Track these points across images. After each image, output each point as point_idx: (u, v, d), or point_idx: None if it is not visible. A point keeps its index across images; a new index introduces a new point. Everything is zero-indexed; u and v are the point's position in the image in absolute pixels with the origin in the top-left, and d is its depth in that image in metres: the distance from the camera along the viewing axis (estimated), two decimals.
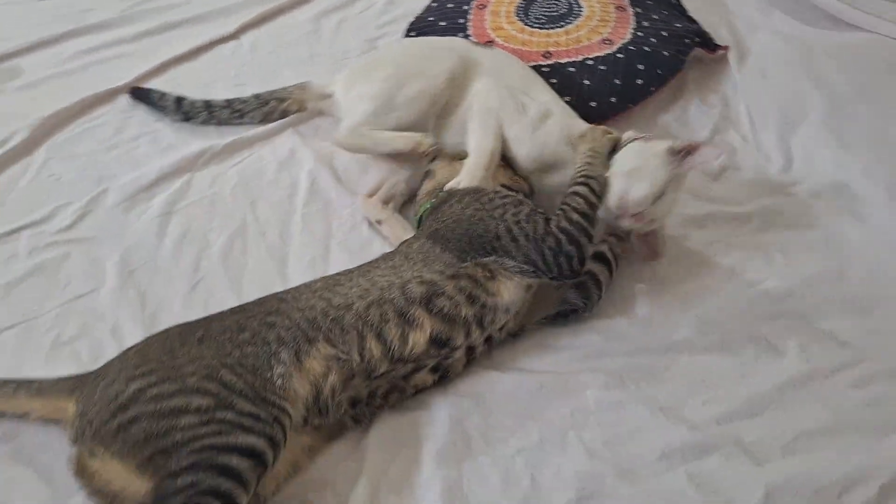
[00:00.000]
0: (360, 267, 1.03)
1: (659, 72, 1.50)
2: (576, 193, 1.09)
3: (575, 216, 1.05)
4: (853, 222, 1.24)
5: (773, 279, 1.16)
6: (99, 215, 1.26)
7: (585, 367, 1.01)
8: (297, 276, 1.16)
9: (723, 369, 1.01)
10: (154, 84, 1.55)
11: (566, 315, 1.07)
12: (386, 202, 1.28)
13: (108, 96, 1.51)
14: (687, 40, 1.57)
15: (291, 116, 1.46)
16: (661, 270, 1.17)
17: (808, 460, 0.90)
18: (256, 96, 1.46)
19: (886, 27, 1.54)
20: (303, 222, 1.27)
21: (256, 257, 1.21)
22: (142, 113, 1.48)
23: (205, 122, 1.45)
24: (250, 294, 1.10)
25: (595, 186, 1.10)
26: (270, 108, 1.45)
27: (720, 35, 1.69)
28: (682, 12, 1.69)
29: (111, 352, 0.98)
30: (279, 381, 0.85)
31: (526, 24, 1.61)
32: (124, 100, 1.51)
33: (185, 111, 1.44)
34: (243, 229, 1.25)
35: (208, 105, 1.44)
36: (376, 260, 1.05)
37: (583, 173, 1.12)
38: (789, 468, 0.89)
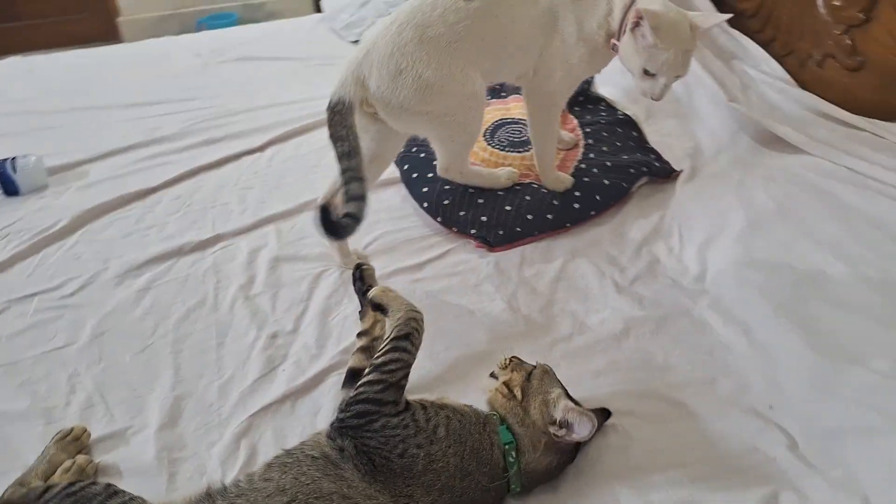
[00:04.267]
0: None
1: (598, 198, 1.65)
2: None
3: None
4: (740, 335, 1.28)
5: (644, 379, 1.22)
6: (95, 287, 1.55)
7: None
8: (232, 347, 1.39)
9: None
10: (179, 186, 1.90)
11: None
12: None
13: (142, 194, 1.87)
14: (633, 171, 1.71)
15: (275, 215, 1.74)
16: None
17: None
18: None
19: (825, 150, 1.59)
20: (249, 304, 1.49)
21: (203, 329, 1.44)
22: (160, 208, 1.82)
23: None
24: (185, 358, 1.35)
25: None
26: None
27: (680, 160, 1.79)
28: (640, 144, 1.84)
29: (61, 392, 1.27)
30: None
31: (488, 144, 1.83)
32: (152, 198, 1.86)
33: None
34: (201, 304, 1.50)
35: None
36: None
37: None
38: None
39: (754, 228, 1.46)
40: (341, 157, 1.38)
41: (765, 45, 2.05)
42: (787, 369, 1.18)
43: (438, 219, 1.65)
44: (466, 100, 1.48)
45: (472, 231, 1.60)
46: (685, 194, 1.65)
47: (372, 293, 1.19)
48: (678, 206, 1.62)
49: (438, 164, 1.65)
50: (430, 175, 1.73)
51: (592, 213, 1.63)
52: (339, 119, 1.39)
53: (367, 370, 1.07)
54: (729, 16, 1.49)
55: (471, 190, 1.67)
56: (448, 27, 1.43)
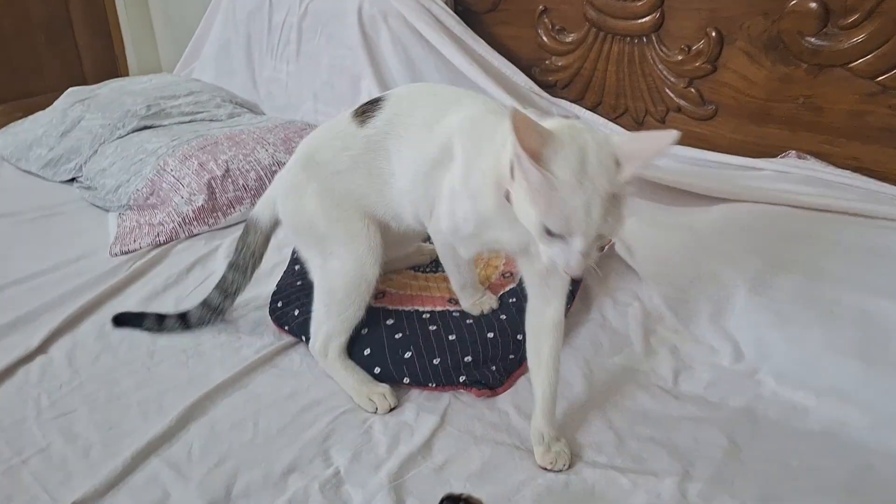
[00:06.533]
0: None
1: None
2: None
3: None
4: (844, 405, 1.12)
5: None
6: None
7: None
8: None
9: None
10: None
11: None
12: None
13: None
14: None
15: None
16: None
17: None
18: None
19: (751, 193, 1.56)
20: None
21: None
22: None
23: None
24: None
25: None
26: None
27: None
28: None
29: None
30: None
31: (418, 272, 1.47)
32: None
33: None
34: None
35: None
36: None
37: None
38: None
39: (760, 284, 1.33)
40: (228, 265, 1.37)
41: (591, 110, 2.05)
42: None
43: (406, 380, 1.21)
44: (346, 237, 1.22)
45: (462, 379, 1.19)
46: (645, 267, 1.46)
47: None
48: (647, 282, 1.43)
49: (311, 332, 1.27)
50: (364, 330, 1.27)
51: (568, 305, 1.35)
52: (244, 233, 1.35)
53: None
54: (678, 134, 0.86)
55: (433, 327, 1.27)
56: (335, 154, 1.23)
